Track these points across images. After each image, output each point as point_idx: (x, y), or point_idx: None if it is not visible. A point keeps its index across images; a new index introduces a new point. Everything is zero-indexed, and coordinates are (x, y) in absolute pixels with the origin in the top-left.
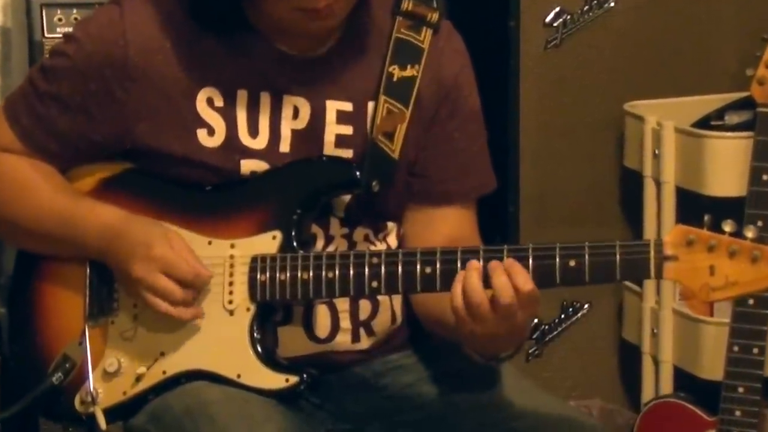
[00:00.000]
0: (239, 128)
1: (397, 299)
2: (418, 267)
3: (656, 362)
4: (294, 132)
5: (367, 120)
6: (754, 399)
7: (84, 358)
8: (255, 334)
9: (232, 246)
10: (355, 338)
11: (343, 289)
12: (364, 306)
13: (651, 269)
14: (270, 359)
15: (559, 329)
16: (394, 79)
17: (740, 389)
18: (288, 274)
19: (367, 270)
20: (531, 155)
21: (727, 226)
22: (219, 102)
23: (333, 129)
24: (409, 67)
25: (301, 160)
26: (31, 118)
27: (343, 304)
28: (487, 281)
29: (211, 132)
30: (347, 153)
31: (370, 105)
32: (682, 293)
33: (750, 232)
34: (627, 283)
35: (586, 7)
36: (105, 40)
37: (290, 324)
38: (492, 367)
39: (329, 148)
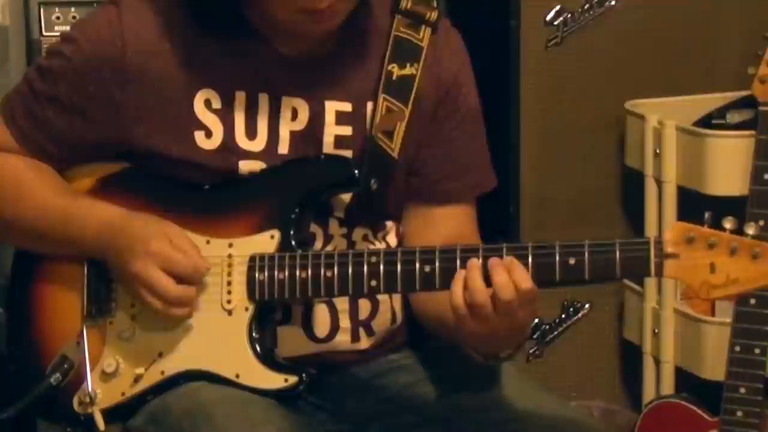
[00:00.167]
0: (237, 130)
1: (397, 299)
2: (417, 266)
3: (657, 362)
4: (293, 133)
5: (367, 120)
6: (756, 399)
7: (82, 358)
8: (254, 334)
9: (230, 245)
10: (355, 338)
11: (342, 288)
12: (364, 306)
13: (651, 267)
14: (269, 359)
15: (560, 329)
16: (394, 77)
17: (742, 389)
18: (286, 273)
19: (365, 269)
20: (532, 154)
21: (728, 223)
22: (217, 104)
23: (332, 130)
24: (408, 65)
25: (300, 158)
26: (27, 118)
27: (342, 303)
28: (486, 279)
29: (208, 134)
30: (347, 154)
31: (369, 105)
32: (683, 292)
33: (750, 229)
34: (628, 282)
35: (587, 5)
36: (102, 41)
37: (289, 324)
38: (492, 367)
39: (328, 149)
